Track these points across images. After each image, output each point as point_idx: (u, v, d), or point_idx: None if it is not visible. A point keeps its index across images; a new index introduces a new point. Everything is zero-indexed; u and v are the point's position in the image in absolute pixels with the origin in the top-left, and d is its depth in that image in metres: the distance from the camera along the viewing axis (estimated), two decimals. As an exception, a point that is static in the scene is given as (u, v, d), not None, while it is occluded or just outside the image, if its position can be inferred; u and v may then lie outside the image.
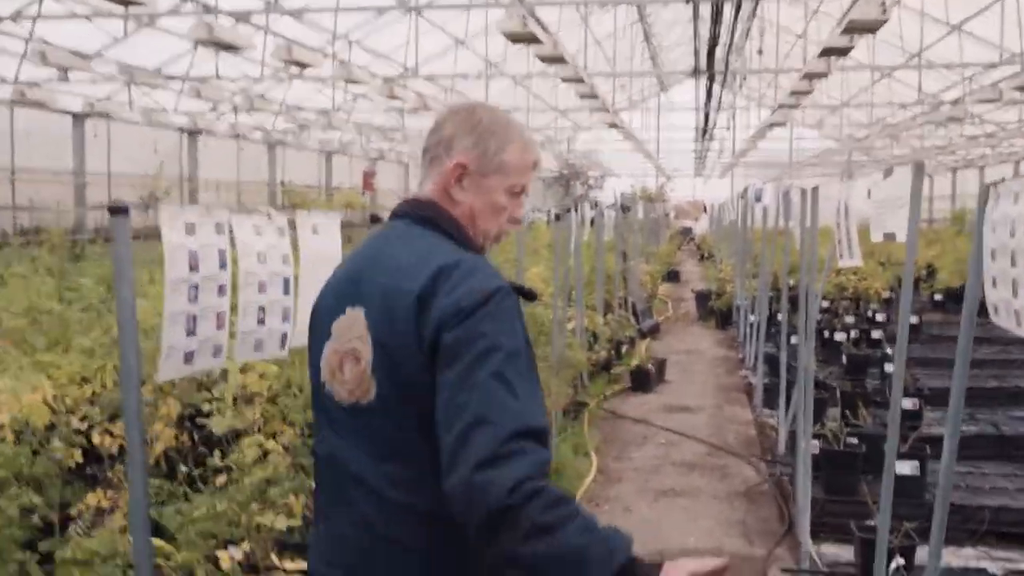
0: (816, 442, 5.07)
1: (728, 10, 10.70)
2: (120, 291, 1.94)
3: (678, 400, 8.64)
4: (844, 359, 8.04)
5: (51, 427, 3.87)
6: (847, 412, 5.73)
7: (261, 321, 2.45)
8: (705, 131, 27.23)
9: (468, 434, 1.46)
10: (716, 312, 13.47)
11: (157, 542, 2.78)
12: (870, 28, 7.59)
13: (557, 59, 9.96)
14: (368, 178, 25.53)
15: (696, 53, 21.56)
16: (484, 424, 1.45)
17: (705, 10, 15.38)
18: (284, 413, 4.30)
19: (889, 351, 8.05)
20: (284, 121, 18.70)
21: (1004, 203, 2.26)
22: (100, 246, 11.79)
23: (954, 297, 13.02)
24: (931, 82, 16.57)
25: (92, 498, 3.53)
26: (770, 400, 7.57)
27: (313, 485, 3.81)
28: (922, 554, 3.82)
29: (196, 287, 2.12)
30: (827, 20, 15.15)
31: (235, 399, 4.14)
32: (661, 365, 9.57)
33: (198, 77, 13.39)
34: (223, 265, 2.22)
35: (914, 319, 9.80)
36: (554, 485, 1.46)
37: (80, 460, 4.09)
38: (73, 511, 3.58)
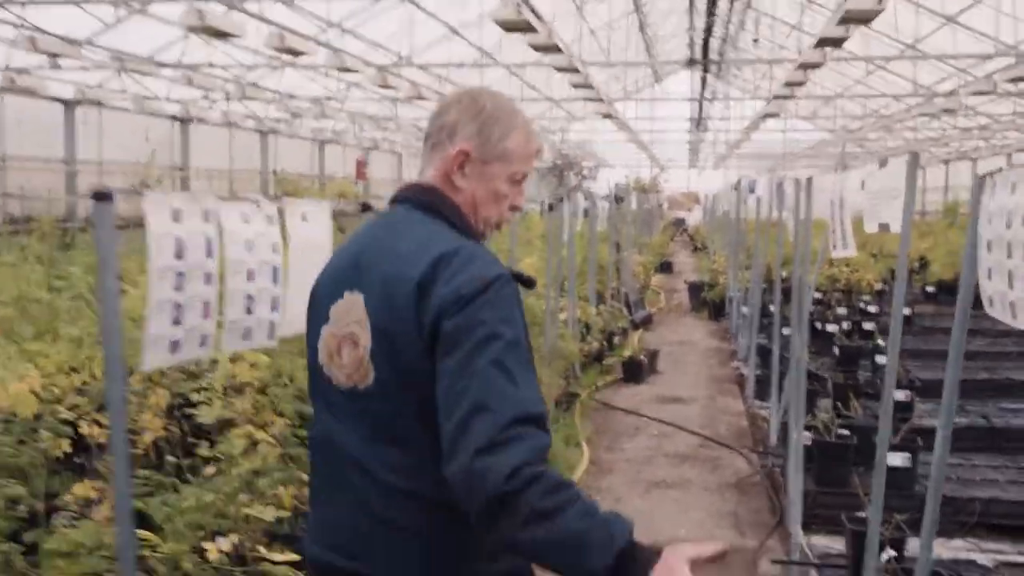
0: (808, 433, 5.06)
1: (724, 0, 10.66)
2: (104, 279, 1.91)
3: (670, 391, 8.64)
4: (836, 350, 8.04)
5: (38, 417, 3.84)
6: (839, 403, 5.72)
7: (249, 310, 2.42)
8: (699, 122, 27.21)
9: (468, 421, 1.46)
10: (709, 303, 13.47)
11: (144, 533, 2.75)
12: (866, 18, 7.56)
13: (551, 48, 9.91)
14: (361, 167, 25.44)
15: (691, 43, 21.54)
16: (484, 411, 1.46)
17: (700, 0, 15.36)
18: (275, 403, 4.27)
19: (881, 343, 8.05)
20: (277, 110, 18.59)
21: (1000, 194, 2.24)
22: (91, 234, 11.72)
23: (946, 289, 13.05)
24: (925, 74, 16.57)
25: (79, 488, 3.50)
26: (762, 391, 7.57)
27: (304, 475, 3.79)
28: (912, 545, 3.82)
29: (182, 275, 2.09)
30: (821, 12, 15.12)
31: (225, 389, 4.11)
32: (653, 356, 9.56)
33: (190, 64, 13.29)
34: (210, 253, 2.19)
35: (906, 311, 9.79)
36: (554, 470, 1.46)
37: (69, 450, 4.07)
38: (61, 501, 3.56)
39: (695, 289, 14.56)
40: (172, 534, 2.76)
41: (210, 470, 3.57)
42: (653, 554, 1.42)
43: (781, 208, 6.90)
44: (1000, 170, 2.24)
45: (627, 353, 9.37)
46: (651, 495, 5.72)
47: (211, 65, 13.27)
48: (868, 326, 9.22)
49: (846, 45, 10.12)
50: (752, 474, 6.10)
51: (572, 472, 5.97)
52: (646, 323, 12.47)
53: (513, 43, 15.84)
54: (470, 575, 1.66)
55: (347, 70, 12.13)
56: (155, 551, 2.69)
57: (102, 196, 1.88)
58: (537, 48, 10.01)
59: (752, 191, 8.56)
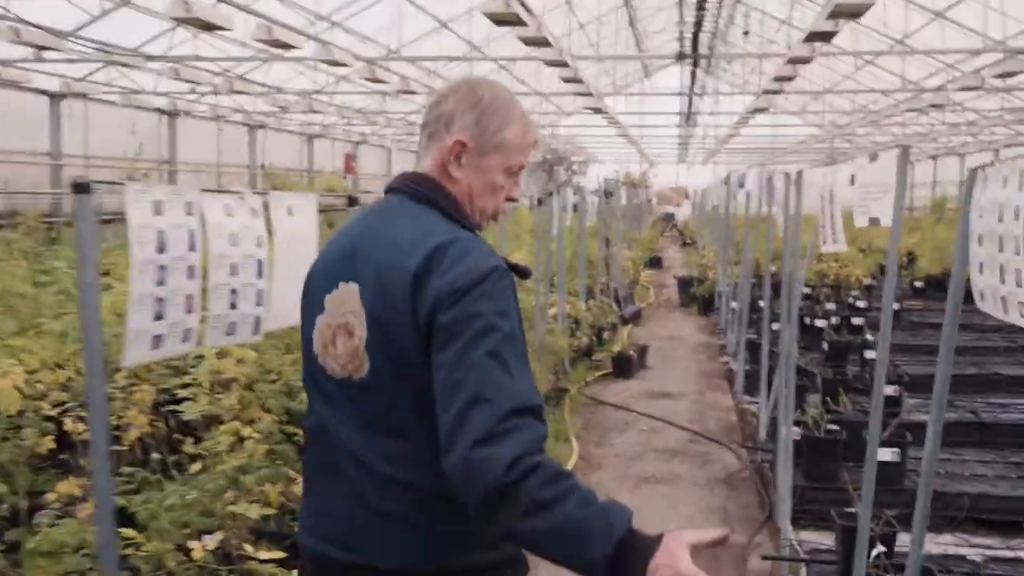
0: (797, 429, 5.06)
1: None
2: (84, 273, 1.86)
3: (660, 386, 8.63)
4: (825, 346, 8.05)
5: (21, 413, 3.79)
6: (828, 399, 5.72)
7: (233, 305, 2.38)
8: (689, 117, 27.21)
9: (465, 413, 1.46)
10: (698, 298, 13.48)
11: (128, 532, 2.71)
12: (855, 12, 7.54)
13: (541, 42, 9.86)
14: (350, 161, 25.33)
15: (681, 38, 21.52)
16: (481, 402, 1.46)
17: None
18: (261, 399, 4.23)
19: (870, 338, 8.06)
20: (265, 104, 18.47)
21: (992, 187, 2.22)
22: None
23: (934, 284, 13.10)
24: (913, 70, 16.60)
25: (63, 486, 3.45)
26: (751, 387, 7.57)
27: (291, 471, 3.75)
28: (902, 541, 3.81)
29: (164, 269, 2.05)
30: (811, 7, 15.12)
31: (212, 385, 4.07)
32: (643, 351, 9.55)
33: (177, 57, 13.18)
34: (193, 247, 2.15)
35: (895, 306, 9.83)
36: (552, 460, 1.46)
37: (53, 447, 4.02)
38: (45, 499, 3.51)
39: (684, 284, 14.57)
40: (156, 532, 2.72)
41: (196, 467, 3.53)
42: (654, 541, 1.42)
43: (771, 203, 6.89)
44: (992, 163, 2.23)
45: (616, 348, 9.36)
46: (640, 490, 5.71)
47: (198, 58, 13.15)
48: (857, 321, 9.24)
49: (835, 40, 10.11)
50: (741, 469, 6.10)
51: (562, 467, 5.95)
52: (635, 318, 12.46)
53: (502, 37, 15.80)
54: (466, 566, 1.66)
55: (336, 63, 12.02)
56: (139, 550, 2.65)
57: (81, 188, 1.83)
58: (527, 42, 9.96)
59: (742, 185, 8.56)
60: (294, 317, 2.94)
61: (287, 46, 10.37)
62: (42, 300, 5.83)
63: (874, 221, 3.32)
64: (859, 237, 12.89)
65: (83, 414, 3.84)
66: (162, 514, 2.80)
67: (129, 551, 2.66)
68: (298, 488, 3.65)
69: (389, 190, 1.80)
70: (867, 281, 12.43)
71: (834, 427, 5.25)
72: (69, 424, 4.00)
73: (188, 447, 3.49)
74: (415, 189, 1.74)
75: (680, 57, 20.17)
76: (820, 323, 8.86)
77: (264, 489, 3.47)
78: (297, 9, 12.82)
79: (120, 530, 2.77)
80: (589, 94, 15.47)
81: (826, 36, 8.76)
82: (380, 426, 1.64)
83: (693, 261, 17.96)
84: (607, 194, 14.13)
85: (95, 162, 16.12)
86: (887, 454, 4.75)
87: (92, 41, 12.76)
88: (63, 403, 4.07)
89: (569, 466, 6.03)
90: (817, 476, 5.08)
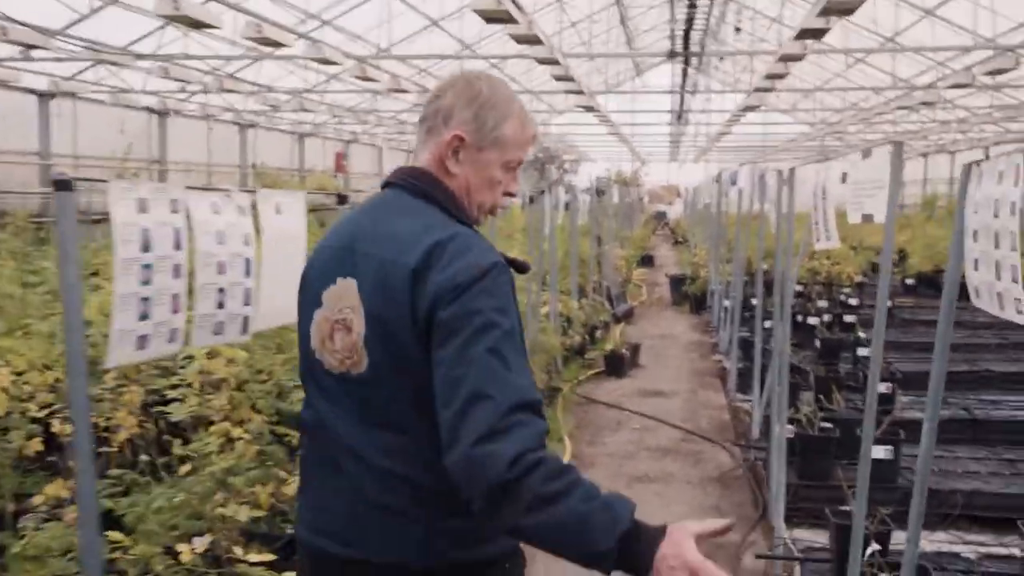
0: (790, 427, 5.05)
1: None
2: (65, 272, 1.83)
3: (652, 385, 8.61)
4: (817, 343, 8.05)
5: (8, 415, 3.74)
6: (821, 396, 5.71)
7: (221, 304, 2.35)
8: (680, 115, 27.22)
9: (467, 409, 1.46)
10: (690, 297, 13.48)
11: (115, 535, 2.68)
12: (847, 9, 7.54)
13: (532, 39, 9.83)
14: (340, 160, 25.26)
15: (672, 36, 21.52)
16: (483, 399, 1.46)
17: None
18: (252, 400, 4.20)
19: (862, 335, 8.06)
20: (256, 103, 18.39)
21: (987, 183, 2.20)
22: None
23: (926, 281, 13.13)
24: (904, 67, 16.63)
25: (51, 488, 3.41)
26: (744, 385, 7.56)
27: (282, 472, 3.71)
28: (897, 539, 3.80)
29: (149, 268, 2.01)
30: (802, 5, 15.13)
31: (202, 385, 4.03)
32: (635, 350, 9.54)
33: (166, 55, 13.11)
34: (179, 245, 2.11)
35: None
36: (554, 455, 1.46)
37: (41, 449, 3.98)
38: (33, 502, 3.47)
39: (676, 282, 14.56)
40: (143, 535, 2.68)
41: (185, 468, 3.49)
42: (658, 532, 1.43)
43: (763, 200, 6.88)
44: (988, 158, 2.21)
45: (609, 347, 9.34)
46: (633, 489, 5.69)
47: (188, 56, 13.08)
48: (849, 319, 9.23)
49: (826, 38, 10.11)
50: (734, 468, 6.08)
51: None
52: (628, 317, 12.45)
53: (494, 36, 15.78)
54: (465, 561, 1.66)
55: (326, 62, 11.97)
56: (126, 553, 2.61)
57: (63, 185, 1.80)
58: (518, 39, 9.94)
59: (734, 183, 8.55)
60: (283, 316, 2.93)
61: (277, 44, 10.32)
62: (30, 301, 5.78)
63: (867, 218, 3.31)
64: (851, 234, 12.90)
65: (71, 415, 3.81)
66: (150, 517, 2.76)
67: (116, 554, 2.62)
68: (289, 489, 3.62)
69: (386, 184, 1.79)
70: (858, 278, 12.45)
71: (827, 425, 5.24)
72: (57, 426, 3.96)
73: (177, 448, 3.45)
74: (412, 184, 1.74)
75: (671, 55, 20.18)
76: (812, 321, 8.85)
77: (254, 491, 3.44)
78: (287, 7, 12.77)
79: (107, 533, 2.73)
80: (580, 92, 15.45)
81: (817, 33, 8.75)
82: (378, 420, 1.64)
83: (685, 259, 17.97)
84: (599, 192, 14.11)
85: (84, 161, 16.03)
86: (881, 452, 4.74)
87: (81, 39, 12.68)
88: (51, 405, 4.03)
89: (562, 465, 6.01)
90: (811, 474, 5.07)
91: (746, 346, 7.76)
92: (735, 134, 27.09)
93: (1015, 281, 2.03)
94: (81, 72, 14.91)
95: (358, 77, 13.17)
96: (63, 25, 12.13)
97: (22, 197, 13.64)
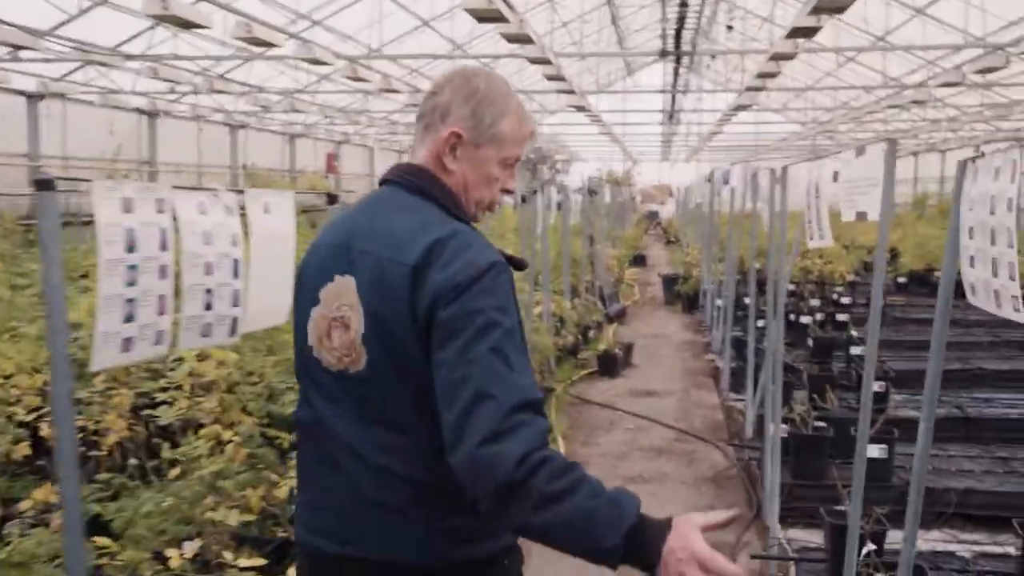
0: (784, 426, 5.03)
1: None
2: (48, 273, 1.79)
3: (645, 385, 8.60)
4: (810, 342, 8.04)
5: (-5, 418, 3.70)
6: (814, 395, 5.70)
7: (208, 306, 2.31)
8: (672, 115, 27.23)
9: (471, 410, 1.46)
10: (683, 296, 13.47)
11: (103, 540, 2.64)
12: (838, 8, 7.53)
13: (523, 39, 9.81)
14: (332, 161, 25.18)
15: (663, 35, 21.52)
16: (486, 399, 1.46)
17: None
18: (243, 402, 4.16)
19: (855, 334, 8.06)
20: (246, 103, 18.31)
21: (983, 179, 2.18)
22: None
23: (917, 280, 13.16)
24: (895, 66, 16.67)
25: (39, 493, 3.37)
26: (737, 384, 7.54)
27: (273, 475, 3.67)
28: (892, 538, 3.78)
29: (134, 269, 1.98)
30: (793, 5, 15.15)
31: (192, 388, 3.99)
32: (628, 349, 9.52)
33: (156, 56, 13.04)
34: (165, 246, 2.08)
35: (879, 302, 9.84)
36: (558, 453, 1.46)
37: (29, 453, 3.94)
38: (20, 507, 3.43)
39: (669, 282, 14.55)
40: (132, 540, 2.64)
41: (175, 472, 3.45)
42: (664, 525, 1.45)
43: (755, 199, 6.87)
44: (983, 154, 2.19)
45: (602, 347, 9.31)
46: (627, 490, 5.66)
47: (177, 57, 13.01)
48: (842, 317, 9.24)
49: (817, 37, 10.11)
50: (728, 467, 6.07)
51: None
52: (620, 316, 12.43)
53: (485, 36, 15.75)
54: (464, 558, 1.65)
55: (317, 62, 11.92)
56: (113, 559, 2.57)
57: (44, 184, 1.76)
58: (509, 39, 9.91)
59: (726, 182, 8.53)
60: (272, 318, 2.89)
61: (267, 44, 10.27)
62: (18, 303, 5.73)
63: (861, 216, 3.29)
64: (843, 233, 12.93)
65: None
66: (138, 521, 2.72)
67: (104, 560, 2.58)
68: (280, 492, 3.59)
69: (383, 181, 1.78)
70: (851, 277, 12.48)
71: (821, 424, 5.23)
72: (45, 429, 3.92)
73: (166, 452, 3.41)
74: (409, 180, 1.73)
75: (663, 54, 20.18)
76: (805, 319, 8.86)
77: (245, 494, 3.40)
78: (277, 7, 12.71)
79: (95, 539, 2.69)
80: (572, 92, 15.43)
81: (808, 32, 8.75)
82: (376, 418, 1.63)
83: (677, 259, 17.96)
84: (591, 192, 14.08)
85: (73, 163, 15.95)
86: (875, 450, 4.73)
87: (70, 40, 12.60)
88: (39, 408, 3.99)
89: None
90: (805, 473, 5.05)
91: (739, 345, 7.75)
92: (726, 134, 27.13)
93: (1012, 278, 2.01)
94: (70, 73, 14.82)
95: (349, 77, 13.12)
96: (51, 26, 12.06)
97: (11, 199, 13.55)
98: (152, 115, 18.26)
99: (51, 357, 1.81)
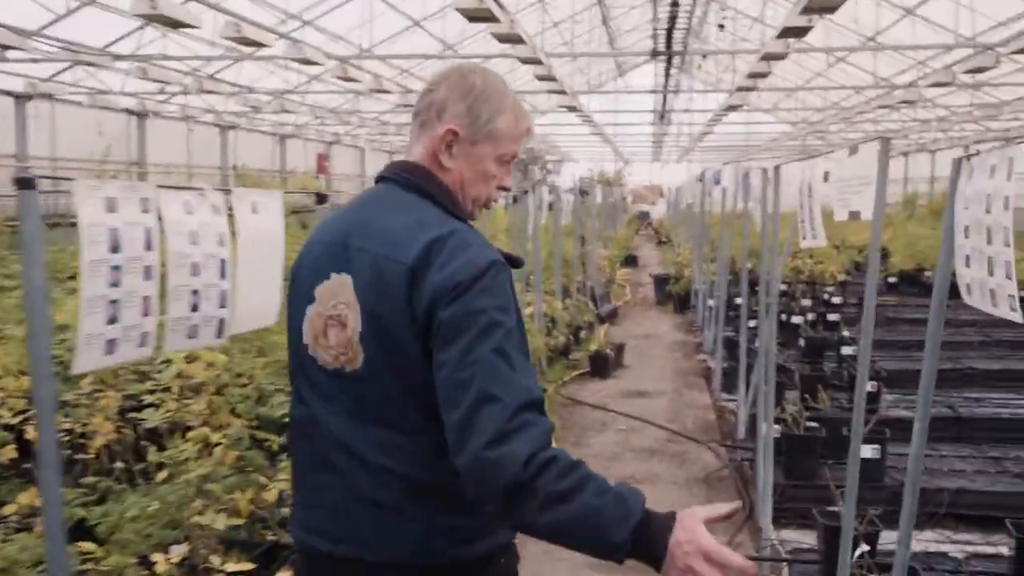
0: (776, 426, 5.01)
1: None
2: (30, 274, 1.75)
3: (637, 385, 8.58)
4: (802, 342, 8.04)
5: (-21, 421, 3.65)
6: (806, 395, 5.69)
7: (195, 307, 2.27)
8: (663, 115, 27.25)
9: (475, 411, 1.46)
10: (674, 296, 13.47)
11: (87, 545, 2.60)
12: (829, 8, 7.53)
13: (515, 39, 9.78)
14: (322, 161, 25.12)
15: (654, 35, 21.54)
16: (490, 400, 1.46)
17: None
18: (231, 404, 4.12)
19: (847, 334, 8.06)
20: (236, 104, 18.24)
21: (978, 177, 2.16)
22: (44, 232, 11.36)
23: (907, 280, 13.20)
24: (885, 66, 16.72)
25: (24, 497, 3.32)
26: (729, 384, 7.53)
27: (262, 478, 3.63)
28: (885, 539, 3.77)
29: (118, 269, 1.94)
30: (784, 5, 15.17)
31: (180, 390, 3.95)
32: (620, 350, 9.50)
33: (145, 56, 12.97)
34: (150, 246, 2.04)
35: (870, 302, 9.84)
36: (563, 452, 1.46)
37: (15, 456, 3.89)
38: (4, 511, 3.38)
39: (660, 282, 14.55)
40: (117, 545, 2.60)
41: (162, 475, 3.41)
42: (669, 519, 1.46)
43: (747, 199, 6.86)
44: (979, 152, 2.17)
45: (593, 347, 9.29)
46: (619, 491, 5.64)
47: (167, 57, 12.94)
48: (833, 317, 9.24)
49: (807, 37, 10.12)
50: (720, 468, 6.05)
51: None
52: (612, 317, 12.42)
53: (476, 36, 15.71)
54: (461, 557, 1.65)
55: (307, 62, 11.87)
56: (98, 564, 2.53)
57: (26, 183, 1.73)
58: (500, 38, 9.89)
59: (717, 182, 8.53)
60: (260, 319, 2.86)
61: (257, 44, 10.21)
62: (4, 305, 5.67)
63: (854, 215, 3.27)
64: (834, 233, 12.94)
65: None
66: (124, 526, 2.68)
67: (88, 566, 2.54)
68: (269, 495, 3.55)
69: (380, 178, 1.77)
70: (841, 277, 12.50)
71: (813, 424, 5.22)
72: (31, 432, 3.87)
73: (153, 455, 3.36)
74: (405, 178, 1.72)
75: (654, 54, 20.20)
76: (796, 320, 8.85)
77: (233, 497, 3.36)
78: (267, 7, 12.66)
79: (79, 544, 2.65)
80: (563, 92, 15.42)
81: (799, 32, 8.76)
82: (373, 416, 1.62)
83: (669, 259, 17.97)
84: (582, 193, 14.07)
85: (62, 164, 15.86)
86: (867, 451, 4.71)
87: (58, 40, 12.52)
88: (25, 411, 3.94)
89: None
90: (797, 474, 5.04)
91: (731, 345, 7.73)
92: (717, 134, 27.16)
93: (1008, 277, 1.99)
94: (58, 73, 14.73)
95: (340, 78, 13.08)
96: (39, 26, 11.98)
97: (-3, 200, 13.45)
98: (141, 116, 18.17)
99: (33, 360, 1.77)
